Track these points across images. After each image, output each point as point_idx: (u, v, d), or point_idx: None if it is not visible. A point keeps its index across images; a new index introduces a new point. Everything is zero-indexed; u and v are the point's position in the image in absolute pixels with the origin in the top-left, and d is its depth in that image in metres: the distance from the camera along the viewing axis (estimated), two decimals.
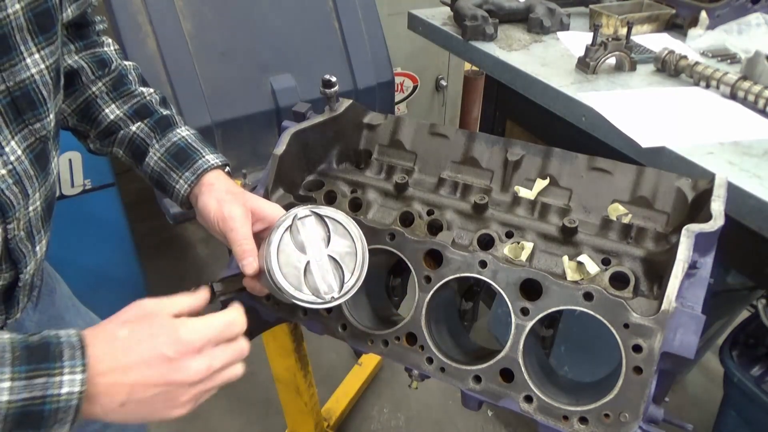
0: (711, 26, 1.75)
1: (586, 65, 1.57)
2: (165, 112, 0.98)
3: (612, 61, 1.60)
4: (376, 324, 0.99)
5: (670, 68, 1.55)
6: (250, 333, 0.78)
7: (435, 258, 0.93)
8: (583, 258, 0.91)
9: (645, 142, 1.25)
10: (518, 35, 1.85)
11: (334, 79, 1.07)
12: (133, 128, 0.96)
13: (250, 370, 0.77)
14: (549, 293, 0.85)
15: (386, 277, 1.12)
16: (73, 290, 1.10)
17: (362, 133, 1.17)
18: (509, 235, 0.98)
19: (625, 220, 0.96)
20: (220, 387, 0.70)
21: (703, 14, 1.76)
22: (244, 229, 0.83)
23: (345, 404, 2.15)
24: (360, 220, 0.98)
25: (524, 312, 0.85)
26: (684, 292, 0.79)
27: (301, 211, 0.82)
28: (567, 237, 0.95)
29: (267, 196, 1.04)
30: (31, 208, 0.76)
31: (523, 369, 0.83)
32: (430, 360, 0.89)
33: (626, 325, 0.79)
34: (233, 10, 1.93)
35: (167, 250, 3.01)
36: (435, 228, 1.02)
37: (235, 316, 0.71)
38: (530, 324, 0.84)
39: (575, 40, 1.80)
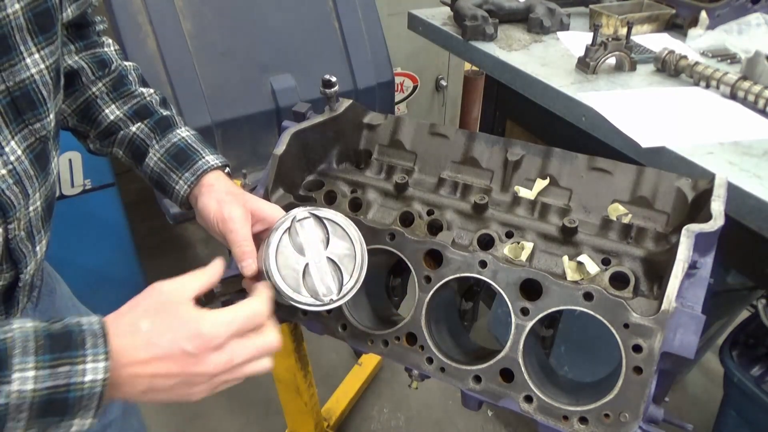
0: (711, 26, 1.75)
1: (586, 65, 1.57)
2: (165, 113, 0.98)
3: (612, 61, 1.60)
4: (376, 324, 0.99)
5: (670, 68, 1.55)
6: None
7: (435, 258, 0.93)
8: (583, 258, 0.91)
9: (645, 142, 1.25)
10: (518, 35, 1.85)
11: (334, 79, 1.07)
12: (133, 129, 0.96)
13: None
14: (549, 293, 0.85)
15: (386, 277, 1.12)
16: (73, 290, 1.10)
17: (362, 133, 1.17)
18: (509, 235, 0.98)
19: (625, 220, 0.96)
20: (245, 378, 0.70)
21: (703, 14, 1.76)
22: (244, 231, 0.83)
23: (345, 404, 2.15)
24: (360, 220, 0.98)
25: (524, 312, 0.85)
26: (684, 292, 0.79)
27: (300, 212, 0.82)
28: (567, 237, 0.95)
29: (267, 196, 1.04)
30: (31, 208, 0.76)
31: (523, 369, 0.83)
32: (430, 360, 0.89)
33: (626, 325, 0.79)
34: (233, 10, 1.93)
35: (167, 250, 3.01)
36: (435, 228, 1.02)
37: (257, 306, 0.70)
38: (530, 324, 0.84)
39: (575, 40, 1.80)
